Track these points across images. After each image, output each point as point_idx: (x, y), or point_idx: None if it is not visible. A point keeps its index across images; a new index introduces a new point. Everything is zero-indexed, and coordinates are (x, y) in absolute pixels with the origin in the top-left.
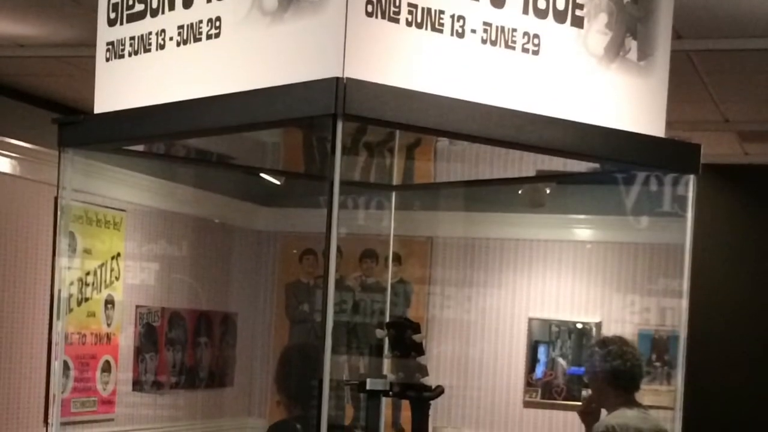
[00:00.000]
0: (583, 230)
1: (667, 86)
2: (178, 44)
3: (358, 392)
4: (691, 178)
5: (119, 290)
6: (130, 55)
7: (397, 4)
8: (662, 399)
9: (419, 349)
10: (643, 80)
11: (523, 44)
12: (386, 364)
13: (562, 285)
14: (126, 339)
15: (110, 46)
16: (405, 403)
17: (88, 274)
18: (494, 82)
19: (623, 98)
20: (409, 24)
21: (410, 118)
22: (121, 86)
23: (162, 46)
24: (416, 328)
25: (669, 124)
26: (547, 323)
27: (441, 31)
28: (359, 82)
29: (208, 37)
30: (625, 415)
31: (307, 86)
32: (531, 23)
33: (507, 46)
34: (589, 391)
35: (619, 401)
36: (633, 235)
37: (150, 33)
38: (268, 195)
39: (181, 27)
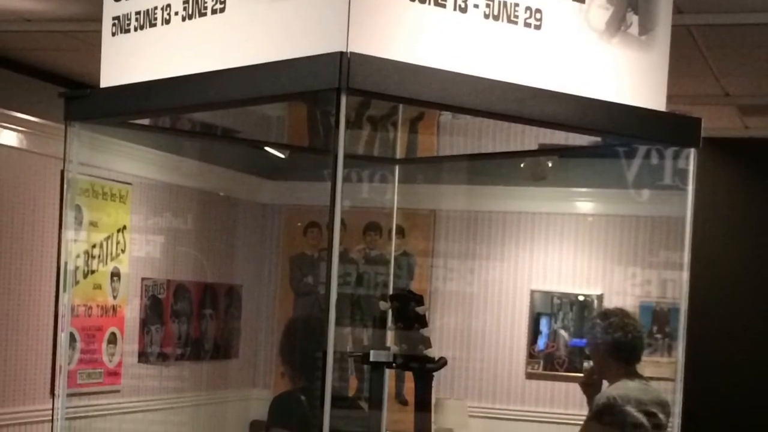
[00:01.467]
0: (585, 203)
1: (668, 60)
2: (184, 19)
3: (361, 364)
4: (692, 151)
5: (125, 263)
6: (136, 29)
7: None
8: (663, 370)
9: (422, 322)
10: (644, 54)
11: (525, 19)
12: (389, 336)
13: (564, 257)
14: (132, 311)
15: (116, 21)
16: (408, 375)
17: (94, 246)
18: (496, 57)
19: (624, 72)
20: None
21: (413, 92)
22: (127, 60)
23: (168, 21)
24: (419, 300)
25: (670, 98)
26: (549, 296)
27: (444, 6)
28: (363, 56)
29: (213, 11)
30: (626, 387)
31: (311, 60)
32: None
33: (509, 20)
34: (591, 363)
35: (620, 373)
36: (634, 208)
37: (156, 8)
38: (273, 168)
39: (186, 1)
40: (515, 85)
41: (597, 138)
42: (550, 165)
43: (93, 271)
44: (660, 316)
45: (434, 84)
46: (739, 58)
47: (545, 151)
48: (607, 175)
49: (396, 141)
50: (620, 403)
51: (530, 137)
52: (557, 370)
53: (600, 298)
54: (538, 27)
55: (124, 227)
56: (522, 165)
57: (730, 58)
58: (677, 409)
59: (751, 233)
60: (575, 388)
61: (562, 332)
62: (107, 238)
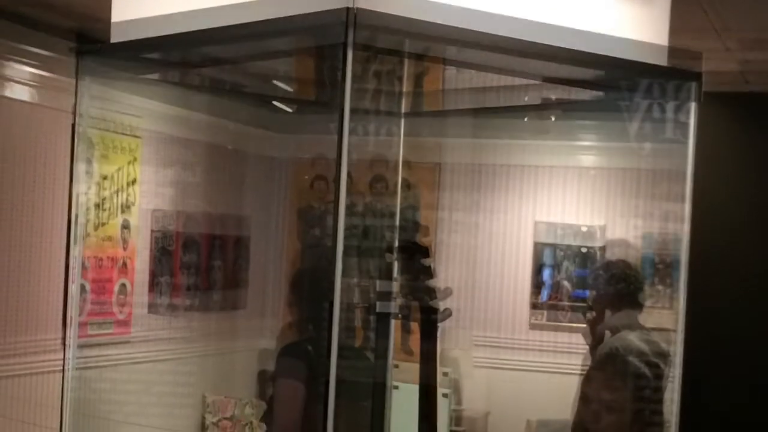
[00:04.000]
0: (588, 157)
1: (669, 15)
2: None
3: (368, 315)
4: (693, 105)
5: (135, 215)
6: None
7: None
8: (664, 321)
9: (428, 273)
10: (646, 9)
11: None
12: (395, 287)
13: (566, 210)
14: (141, 263)
15: None
16: (414, 326)
17: (104, 199)
18: (501, 7)
19: (626, 27)
20: None
21: (418, 48)
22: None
23: None
24: (425, 252)
25: (670, 52)
26: (552, 247)
27: None
28: (369, 11)
29: None
30: (628, 337)
31: (318, 16)
32: None
33: None
34: (593, 314)
35: (622, 323)
36: (636, 161)
37: None
38: (280, 122)
39: None
40: (520, 40)
41: (599, 92)
42: (553, 119)
43: (103, 224)
44: (661, 268)
45: (439, 39)
46: (739, 13)
47: (548, 105)
48: (609, 129)
49: (401, 95)
50: (622, 353)
51: (534, 92)
52: (561, 321)
53: (602, 249)
54: None
55: (134, 180)
56: (525, 119)
57: (731, 12)
58: (678, 359)
59: (750, 186)
60: (578, 339)
61: (566, 283)
62: (117, 191)
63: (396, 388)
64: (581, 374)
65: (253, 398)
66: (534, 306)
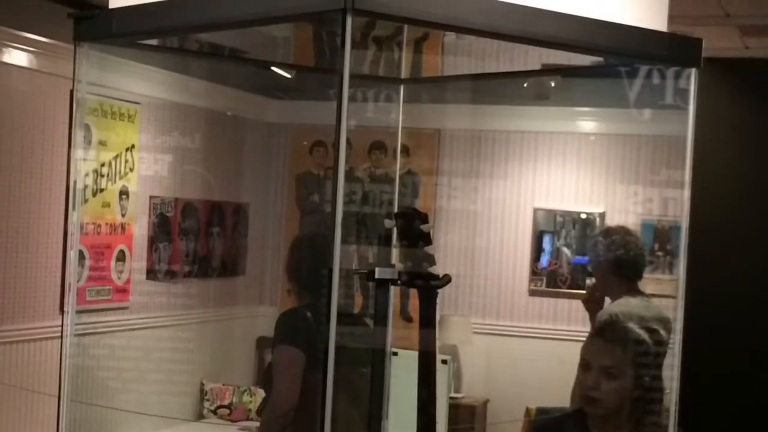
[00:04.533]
0: (587, 122)
1: None
2: None
3: (367, 281)
4: (693, 71)
5: (133, 181)
6: None
7: None
8: (664, 287)
9: (427, 239)
10: None
11: None
12: (395, 253)
13: (566, 176)
14: (140, 229)
15: None
16: (413, 292)
17: (102, 165)
18: None
19: None
20: None
21: (418, 12)
22: None
23: None
24: (424, 218)
25: (671, 19)
26: (551, 213)
27: None
28: None
29: None
30: (628, 304)
31: None
32: None
33: None
34: (593, 280)
35: (622, 290)
36: (636, 128)
37: None
38: (280, 88)
39: None
40: (519, 5)
41: (599, 58)
42: (552, 84)
43: (102, 190)
44: (661, 234)
45: (439, 4)
46: None
47: (548, 70)
48: (609, 94)
49: (401, 61)
50: (622, 319)
51: (534, 57)
52: (560, 288)
53: (602, 216)
54: None
55: (133, 146)
56: (525, 84)
57: None
58: (678, 326)
59: (751, 152)
60: (578, 305)
61: (565, 250)
62: (116, 157)
63: (395, 354)
64: (581, 341)
65: (251, 386)
66: (533, 272)
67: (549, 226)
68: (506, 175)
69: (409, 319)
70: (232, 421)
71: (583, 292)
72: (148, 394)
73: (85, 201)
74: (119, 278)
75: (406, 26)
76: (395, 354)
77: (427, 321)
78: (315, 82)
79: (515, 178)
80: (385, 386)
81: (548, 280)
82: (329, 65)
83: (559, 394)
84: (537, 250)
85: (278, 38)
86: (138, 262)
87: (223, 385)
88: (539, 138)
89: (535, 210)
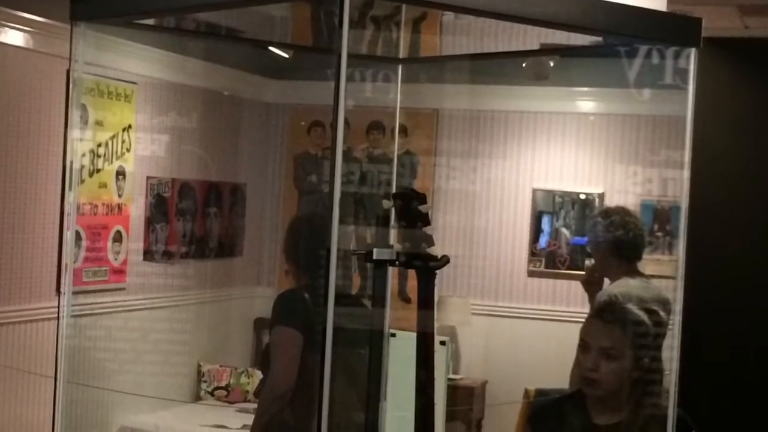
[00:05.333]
0: (586, 103)
1: None
2: None
3: (365, 262)
4: (692, 51)
5: (130, 161)
6: None
7: None
8: (664, 268)
9: (425, 220)
10: None
11: None
12: (393, 234)
13: (565, 156)
14: (137, 209)
15: None
16: (411, 273)
17: (99, 145)
18: None
19: None
20: None
21: None
22: None
23: None
24: (422, 198)
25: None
26: (550, 194)
27: None
28: None
29: None
30: (628, 284)
31: None
32: None
33: None
34: (592, 261)
35: (621, 270)
36: (635, 107)
37: None
38: (277, 68)
39: None
40: None
41: (598, 38)
42: (551, 64)
43: (98, 170)
44: (661, 215)
45: None
46: None
47: (547, 50)
48: (608, 74)
49: (399, 40)
50: (621, 300)
51: (532, 37)
52: (559, 268)
53: (601, 196)
54: None
55: (130, 126)
56: (524, 65)
57: None
58: (678, 307)
59: (751, 132)
60: (577, 286)
61: (564, 230)
62: (112, 137)
63: (393, 335)
64: (580, 322)
65: (248, 367)
66: (532, 253)
67: (548, 207)
68: (505, 155)
69: (407, 300)
70: (230, 402)
71: (582, 273)
72: (145, 376)
73: (82, 181)
74: (116, 259)
75: (404, 6)
76: (393, 335)
77: (426, 302)
78: (313, 61)
79: (514, 158)
80: (383, 367)
81: (547, 260)
82: (327, 45)
83: (558, 376)
84: (536, 231)
85: (276, 17)
86: (135, 242)
87: (221, 366)
88: (538, 118)
89: (534, 190)
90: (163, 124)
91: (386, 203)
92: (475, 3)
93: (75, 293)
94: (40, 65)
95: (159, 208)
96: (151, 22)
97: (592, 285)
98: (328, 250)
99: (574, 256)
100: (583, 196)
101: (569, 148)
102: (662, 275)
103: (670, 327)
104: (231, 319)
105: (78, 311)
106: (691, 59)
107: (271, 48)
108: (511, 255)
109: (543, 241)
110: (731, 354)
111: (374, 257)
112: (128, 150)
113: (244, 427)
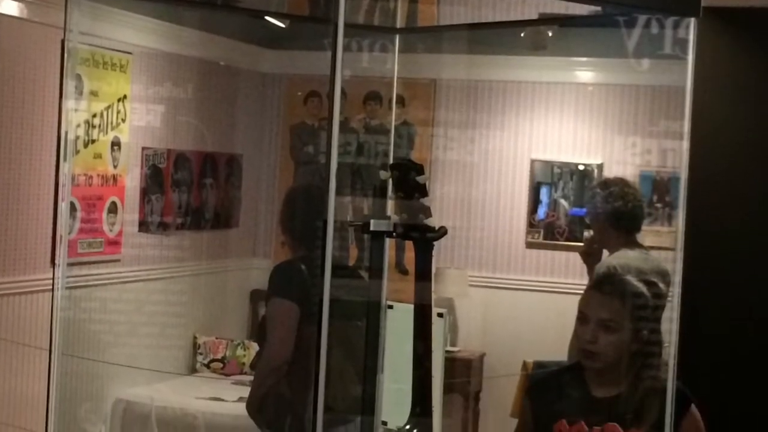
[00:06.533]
0: (585, 73)
1: None
2: None
3: (362, 233)
4: (692, 20)
5: (125, 132)
6: None
7: None
8: (663, 240)
9: (423, 191)
10: None
11: None
12: (390, 205)
13: (564, 127)
14: (132, 180)
15: None
16: (408, 244)
17: (94, 116)
18: None
19: None
20: None
21: None
22: None
23: None
24: (420, 169)
25: None
26: (549, 165)
27: None
28: None
29: None
30: (627, 256)
31: None
32: None
33: None
34: (591, 232)
35: (620, 242)
36: (634, 78)
37: None
38: (273, 38)
39: None
40: None
41: (597, 7)
42: (550, 34)
43: (93, 141)
44: (660, 186)
45: None
46: None
47: (545, 20)
48: (607, 44)
49: (396, 10)
50: (620, 272)
51: (530, 7)
52: (557, 240)
53: (600, 167)
54: None
55: (125, 97)
56: (522, 34)
57: None
58: (677, 279)
59: (751, 102)
60: (575, 258)
61: (563, 201)
62: (108, 108)
63: (390, 307)
64: (578, 294)
65: (245, 339)
66: (530, 224)
67: (546, 178)
68: (503, 126)
69: (404, 272)
70: (226, 375)
71: (581, 244)
72: (141, 348)
73: (77, 152)
74: (111, 230)
75: None
76: (390, 307)
77: (423, 274)
78: (309, 31)
79: (512, 129)
80: (380, 340)
81: (545, 232)
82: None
83: (556, 348)
84: (534, 202)
85: None
86: (130, 214)
87: (217, 338)
88: (536, 88)
89: (533, 161)
90: (158, 95)
91: (383, 174)
92: None
93: (70, 265)
94: (35, 35)
95: (154, 179)
96: None
97: (590, 256)
98: (325, 222)
99: (573, 228)
100: (581, 167)
101: (568, 119)
102: (661, 247)
103: (669, 299)
104: (227, 291)
105: (73, 283)
106: (691, 29)
107: (267, 17)
108: (509, 226)
109: (541, 212)
110: (731, 326)
111: (371, 228)
112: (123, 120)
113: (240, 399)
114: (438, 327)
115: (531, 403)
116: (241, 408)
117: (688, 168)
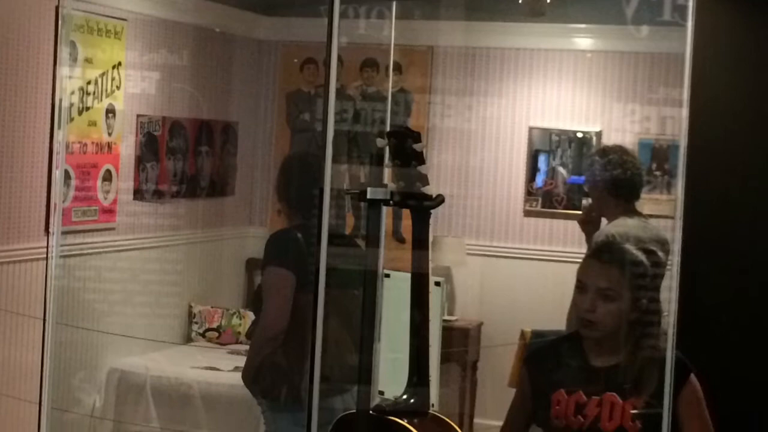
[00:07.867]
0: (584, 40)
1: None
2: None
3: (358, 201)
4: None
5: (120, 99)
6: None
7: None
8: (662, 208)
9: (420, 158)
10: None
11: None
12: (387, 173)
13: (562, 94)
14: (127, 148)
15: None
16: (406, 212)
17: (89, 83)
18: None
19: None
20: None
21: None
22: None
23: None
24: (417, 137)
25: None
26: (547, 132)
27: None
28: None
29: None
30: (626, 224)
31: None
32: None
33: None
34: (590, 200)
35: (619, 210)
36: (633, 45)
37: None
38: (269, 4)
39: None
40: None
41: None
42: (548, 1)
43: (88, 108)
44: (659, 153)
45: None
46: None
47: None
48: (606, 11)
49: None
50: (619, 240)
51: None
52: (556, 208)
53: (599, 135)
54: None
55: (120, 64)
56: (520, 1)
57: None
58: (677, 247)
59: (751, 70)
60: (574, 226)
61: (561, 169)
62: (102, 75)
63: (387, 276)
64: (577, 262)
65: (240, 308)
66: (528, 192)
67: (544, 145)
68: (501, 93)
69: (401, 240)
70: (221, 344)
71: (580, 212)
72: (135, 317)
73: (71, 119)
74: (106, 198)
75: None
76: (387, 276)
77: (420, 242)
78: None
79: (510, 96)
80: (377, 308)
81: (544, 200)
82: None
83: (554, 317)
84: (532, 170)
85: None
86: (125, 182)
87: (212, 307)
88: (534, 55)
89: (531, 129)
90: (153, 62)
91: (380, 142)
92: None
93: (64, 233)
94: (29, 1)
95: (149, 147)
96: None
97: (589, 225)
98: (321, 190)
99: (571, 196)
100: (580, 135)
101: (566, 86)
102: (660, 215)
103: (668, 267)
104: (222, 260)
105: (67, 251)
106: None
107: None
108: (507, 194)
109: (539, 180)
110: (731, 295)
111: (368, 196)
112: (118, 88)
113: (236, 368)
114: (435, 296)
115: (529, 372)
116: (237, 377)
117: (688, 135)
